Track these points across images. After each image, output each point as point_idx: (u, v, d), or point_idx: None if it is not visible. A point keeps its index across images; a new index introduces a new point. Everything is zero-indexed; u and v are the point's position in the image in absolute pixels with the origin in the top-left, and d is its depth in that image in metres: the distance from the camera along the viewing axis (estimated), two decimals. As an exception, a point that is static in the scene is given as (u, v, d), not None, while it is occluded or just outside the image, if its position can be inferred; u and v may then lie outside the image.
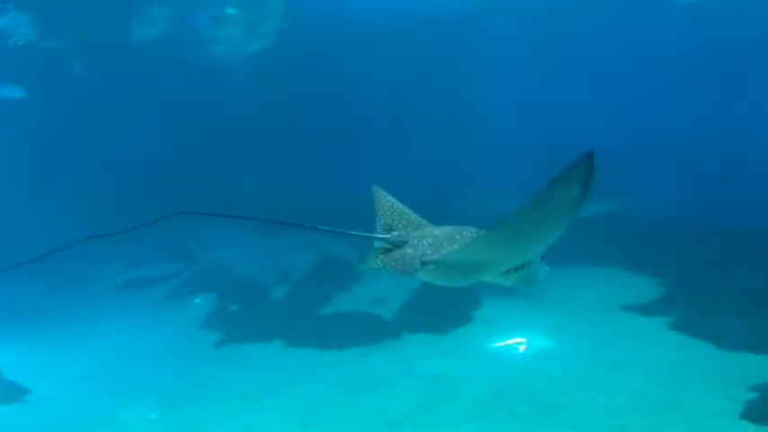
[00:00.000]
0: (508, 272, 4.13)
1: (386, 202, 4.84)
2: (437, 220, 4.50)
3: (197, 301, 13.70)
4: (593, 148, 2.98)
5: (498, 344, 9.91)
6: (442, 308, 11.07)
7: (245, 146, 19.65)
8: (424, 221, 4.57)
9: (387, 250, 4.22)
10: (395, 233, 4.38)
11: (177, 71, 18.72)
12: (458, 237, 4.21)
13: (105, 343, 11.60)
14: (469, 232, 4.21)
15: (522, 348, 9.71)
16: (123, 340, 11.68)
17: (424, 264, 4.07)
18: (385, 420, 7.33)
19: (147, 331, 12.09)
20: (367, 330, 10.57)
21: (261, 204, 17.00)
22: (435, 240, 4.20)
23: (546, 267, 4.31)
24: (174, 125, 18.95)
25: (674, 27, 16.59)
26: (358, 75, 19.67)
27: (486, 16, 18.95)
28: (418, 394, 8.09)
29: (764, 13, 15.21)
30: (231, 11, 17.50)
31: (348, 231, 4.24)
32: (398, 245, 4.24)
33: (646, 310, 10.70)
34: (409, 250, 4.18)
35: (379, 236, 4.33)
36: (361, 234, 4.30)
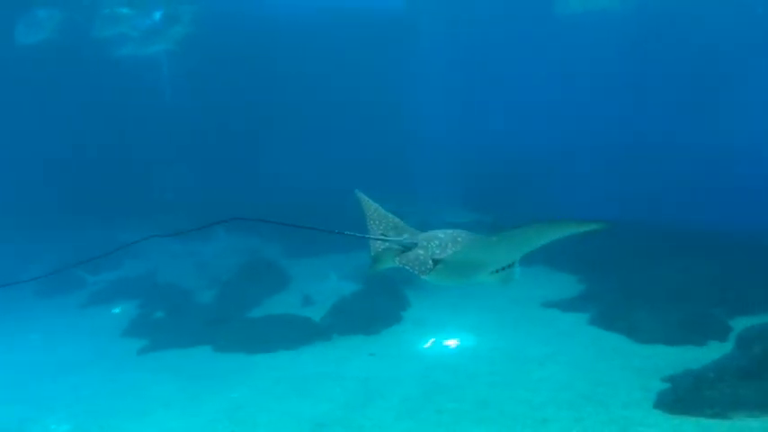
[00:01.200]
0: (494, 272, 4.60)
1: (371, 206, 5.30)
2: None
3: (118, 308, 13.30)
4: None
5: (427, 343, 10.06)
6: (372, 309, 11.16)
7: (155, 148, 19.21)
8: (406, 224, 5.02)
9: (401, 251, 4.71)
10: (405, 236, 4.85)
11: (77, 73, 18.18)
12: (459, 239, 4.68)
13: (15, 355, 11.08)
14: (465, 236, 4.71)
15: (450, 346, 9.89)
16: (36, 351, 11.20)
17: (435, 262, 4.52)
18: (314, 423, 7.32)
19: (63, 341, 11.60)
20: (297, 333, 10.52)
21: (173, 206, 16.75)
22: (441, 242, 4.65)
23: (519, 268, 4.70)
24: (79, 127, 18.43)
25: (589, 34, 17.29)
26: (270, 75, 19.61)
27: (409, 18, 19.23)
28: (348, 396, 8.11)
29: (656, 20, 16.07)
30: (125, 10, 17.03)
31: (367, 236, 4.89)
32: (410, 247, 4.73)
33: (566, 306, 11.10)
34: (420, 251, 4.66)
35: (395, 239, 4.79)
36: (379, 238, 4.83)
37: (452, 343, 9.97)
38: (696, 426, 6.58)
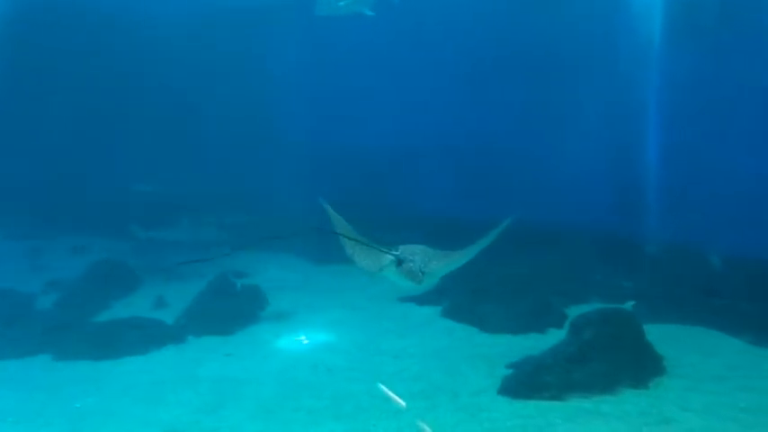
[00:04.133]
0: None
1: (337, 217, 6.47)
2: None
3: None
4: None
5: (285, 341, 10.02)
6: (227, 309, 10.92)
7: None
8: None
9: (397, 262, 6.16)
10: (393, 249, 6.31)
11: None
12: (430, 252, 6.40)
13: None
14: (430, 250, 6.42)
15: (308, 343, 9.92)
16: None
17: (423, 273, 6.09)
18: (164, 429, 7.04)
19: None
20: (148, 337, 10.04)
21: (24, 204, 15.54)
22: (422, 256, 6.25)
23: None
24: None
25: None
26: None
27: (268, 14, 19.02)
28: (202, 399, 7.87)
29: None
30: None
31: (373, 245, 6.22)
32: (403, 259, 6.16)
33: (421, 300, 11.50)
34: (411, 264, 6.14)
35: (392, 252, 6.25)
36: (381, 248, 6.24)
37: (310, 340, 10.01)
38: (535, 408, 7.07)
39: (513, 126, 16.32)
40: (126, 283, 13.29)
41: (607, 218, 13.16)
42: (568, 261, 12.17)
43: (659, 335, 8.63)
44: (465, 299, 10.62)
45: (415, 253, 6.32)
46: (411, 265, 6.11)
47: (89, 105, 18.95)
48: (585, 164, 14.47)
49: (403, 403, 6.98)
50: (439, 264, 6.39)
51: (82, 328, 10.60)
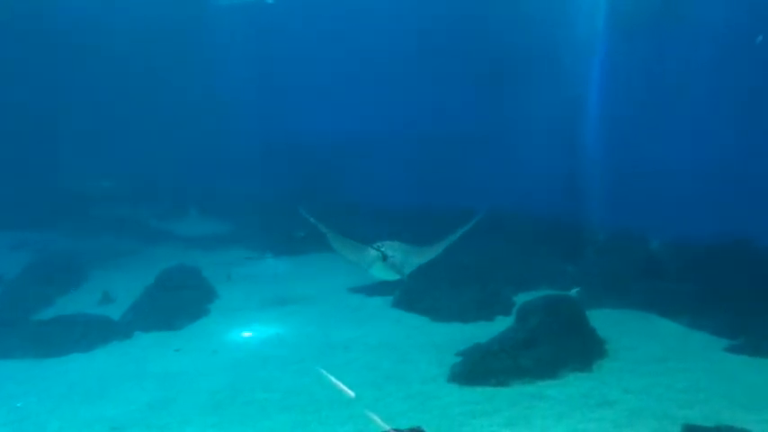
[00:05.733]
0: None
1: (319, 222, 7.28)
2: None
3: None
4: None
5: (234, 334, 9.94)
6: (175, 303, 10.77)
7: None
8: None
9: (382, 258, 7.25)
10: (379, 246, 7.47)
11: None
12: (407, 247, 7.57)
13: None
14: (407, 245, 7.63)
15: (259, 336, 9.86)
16: None
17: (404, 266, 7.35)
18: (111, 426, 6.90)
19: None
20: (93, 333, 9.84)
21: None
22: (401, 251, 7.44)
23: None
24: None
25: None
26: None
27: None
28: (150, 395, 7.76)
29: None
30: None
31: (375, 246, 7.44)
32: (387, 255, 7.26)
33: (371, 291, 11.56)
34: (394, 258, 7.28)
35: (378, 249, 7.37)
36: (367, 246, 7.44)
37: (260, 333, 9.95)
38: (482, 395, 7.21)
39: (457, 115, 16.51)
40: (70, 278, 12.97)
41: (551, 204, 13.47)
42: (514, 248, 12.40)
43: (602, 319, 8.93)
44: (415, 288, 10.71)
45: (395, 249, 7.45)
46: (394, 260, 7.24)
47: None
48: (530, 151, 14.77)
49: (351, 393, 7.06)
50: (417, 257, 7.59)
51: (24, 325, 10.29)
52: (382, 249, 7.32)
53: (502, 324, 9.30)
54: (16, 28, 18.32)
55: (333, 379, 7.36)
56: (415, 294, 10.76)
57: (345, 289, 11.78)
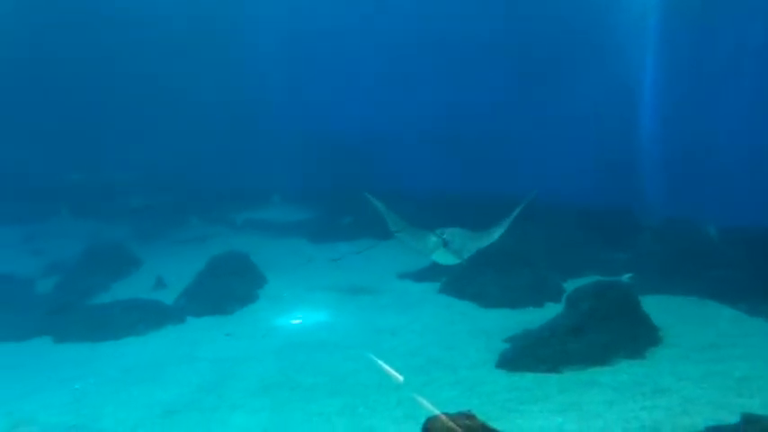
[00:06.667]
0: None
1: (383, 207, 7.93)
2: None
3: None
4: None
5: (284, 320, 10.06)
6: (226, 289, 10.96)
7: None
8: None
9: (443, 244, 7.80)
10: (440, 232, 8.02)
11: None
12: (466, 233, 8.03)
13: None
14: (467, 231, 8.12)
15: (307, 322, 9.95)
16: None
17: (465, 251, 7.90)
18: (164, 408, 7.08)
19: None
20: (147, 318, 10.11)
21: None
22: (460, 237, 7.92)
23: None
24: None
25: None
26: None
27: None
28: (201, 378, 7.92)
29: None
30: None
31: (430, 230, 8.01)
32: (448, 241, 7.77)
33: (418, 277, 11.54)
34: (455, 244, 7.77)
35: (437, 236, 7.93)
36: (430, 232, 8.01)
37: (309, 319, 10.04)
38: (532, 381, 7.11)
39: (501, 101, 16.27)
40: (126, 264, 13.34)
41: (599, 190, 13.18)
42: (559, 234, 12.18)
43: (655, 306, 8.67)
44: (462, 274, 10.63)
45: (455, 234, 7.94)
46: (455, 245, 7.77)
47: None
48: (577, 137, 14.46)
49: (400, 377, 7.06)
50: (475, 242, 8.05)
51: (82, 310, 10.66)
52: (444, 236, 7.78)
53: (551, 310, 9.15)
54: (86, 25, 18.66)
55: (383, 364, 7.37)
56: (462, 280, 10.68)
57: (393, 275, 11.79)
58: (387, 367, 7.64)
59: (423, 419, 4.14)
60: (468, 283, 10.62)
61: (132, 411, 7.09)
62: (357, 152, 16.96)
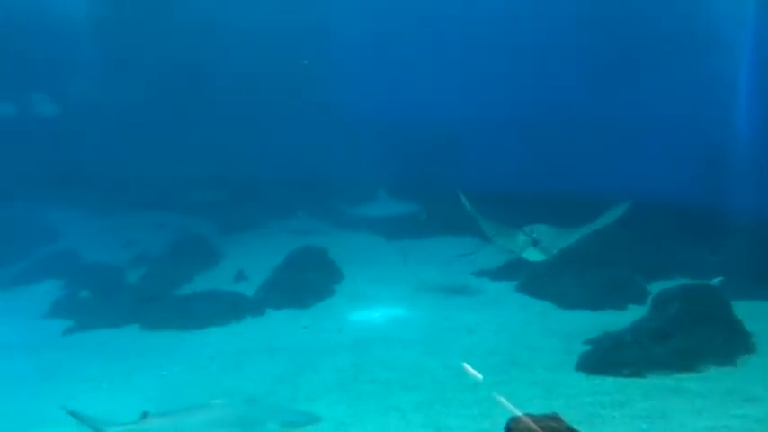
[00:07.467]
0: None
1: (473, 206, 8.36)
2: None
3: (42, 288, 12.80)
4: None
5: (360, 314, 10.15)
6: (305, 283, 11.15)
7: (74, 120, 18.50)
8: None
9: (533, 242, 8.02)
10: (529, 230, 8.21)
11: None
12: (554, 231, 8.22)
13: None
14: (555, 228, 8.34)
15: (383, 317, 10.00)
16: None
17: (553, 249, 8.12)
18: (246, 397, 7.28)
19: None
20: (229, 309, 10.41)
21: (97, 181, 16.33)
22: (548, 235, 8.11)
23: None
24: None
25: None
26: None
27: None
28: (280, 369, 8.11)
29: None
30: None
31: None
32: (538, 240, 7.99)
33: (495, 275, 11.39)
34: (544, 243, 8.00)
35: (526, 234, 8.13)
36: (520, 230, 8.23)
37: (384, 314, 10.09)
38: (613, 385, 6.90)
39: (587, 96, 15.77)
40: (208, 256, 13.79)
41: (690, 190, 12.59)
42: (640, 234, 11.70)
43: (747, 311, 8.21)
44: (540, 273, 10.42)
45: (542, 232, 8.10)
46: (545, 244, 7.94)
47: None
48: (668, 133, 13.87)
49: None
50: (562, 240, 8.20)
51: (168, 300, 11.10)
52: (534, 235, 7.96)
53: (634, 313, 8.86)
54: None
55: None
56: (540, 279, 10.47)
57: (469, 272, 11.68)
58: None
59: (499, 419, 4.07)
60: (546, 282, 10.41)
61: (216, 398, 7.31)
62: (441, 148, 16.83)
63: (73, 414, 5.76)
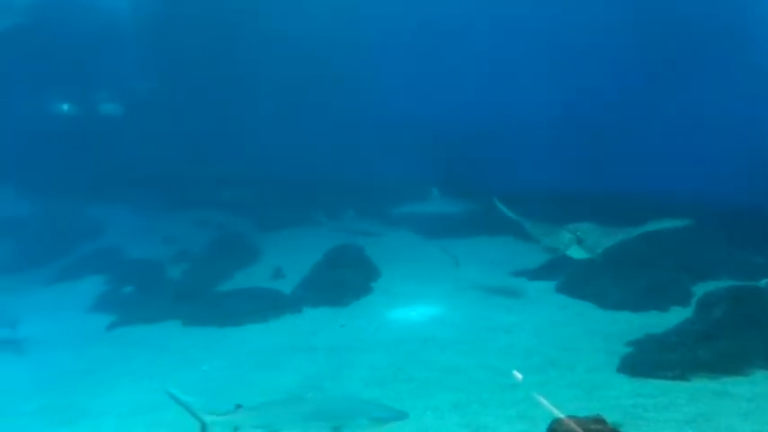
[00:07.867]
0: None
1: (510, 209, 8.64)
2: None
3: (86, 283, 13.12)
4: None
5: (396, 313, 10.13)
6: (342, 281, 11.18)
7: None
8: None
9: (578, 241, 8.00)
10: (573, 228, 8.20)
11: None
12: (598, 230, 8.19)
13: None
14: (598, 227, 8.29)
15: (420, 316, 9.96)
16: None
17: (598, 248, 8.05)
18: (285, 394, 7.31)
19: (28, 318, 11.31)
20: (267, 306, 10.53)
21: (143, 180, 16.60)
22: (592, 234, 8.09)
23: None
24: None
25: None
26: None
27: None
28: (318, 366, 8.16)
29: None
30: None
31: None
32: (583, 238, 7.98)
33: (533, 275, 11.25)
34: (588, 242, 8.01)
35: (570, 232, 8.11)
36: (565, 230, 8.21)
37: (421, 313, 10.05)
38: (656, 387, 6.74)
39: (636, 96, 15.45)
40: (247, 254, 13.95)
41: (738, 190, 12.25)
42: (693, 234, 11.41)
43: (798, 314, 7.95)
44: (580, 273, 10.25)
45: (586, 231, 8.11)
46: (589, 242, 7.99)
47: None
48: (717, 131, 13.50)
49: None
50: (608, 239, 8.17)
51: (208, 296, 11.27)
52: (578, 233, 8.01)
53: (677, 315, 8.66)
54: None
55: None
56: (580, 280, 10.29)
57: (507, 272, 11.56)
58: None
59: (538, 420, 4.01)
60: (586, 282, 10.23)
61: (256, 395, 7.39)
62: (484, 149, 16.72)
63: (173, 397, 5.97)
